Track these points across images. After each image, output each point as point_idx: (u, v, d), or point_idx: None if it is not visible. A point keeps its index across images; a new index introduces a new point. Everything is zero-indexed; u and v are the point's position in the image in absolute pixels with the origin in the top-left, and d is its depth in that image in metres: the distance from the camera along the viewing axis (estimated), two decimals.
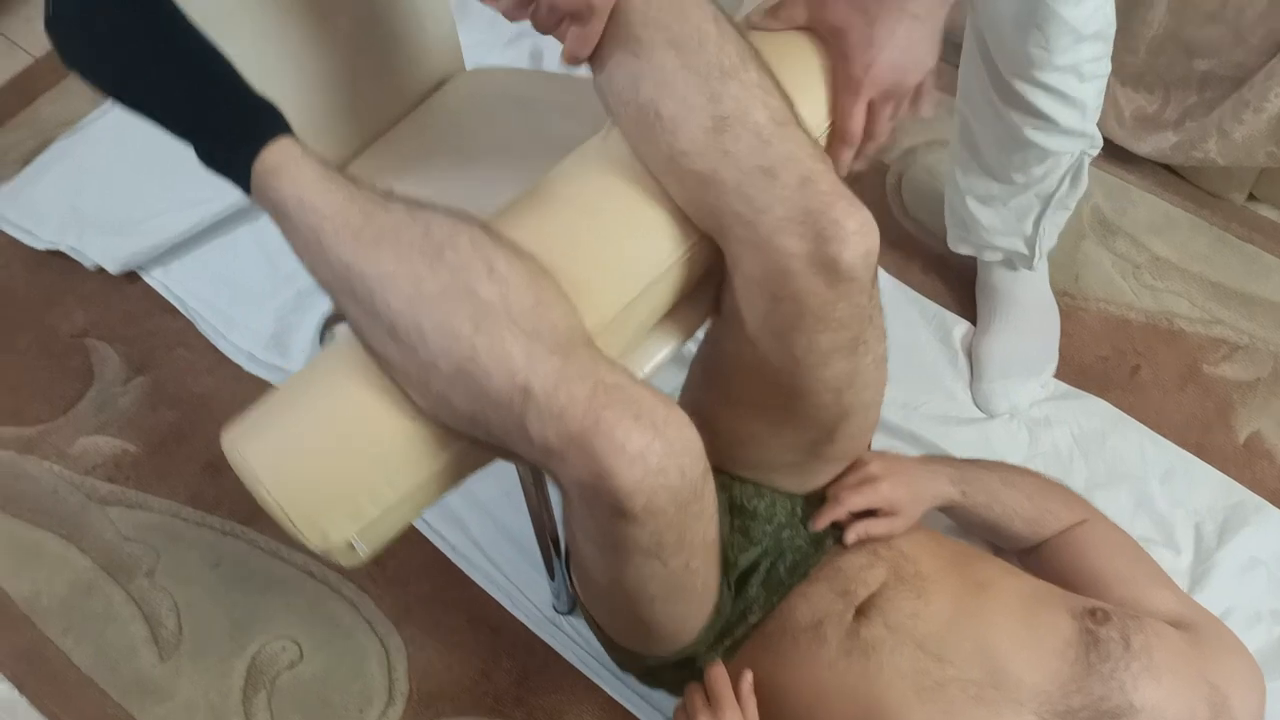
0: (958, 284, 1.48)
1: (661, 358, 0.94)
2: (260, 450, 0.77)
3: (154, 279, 1.49)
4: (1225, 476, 1.31)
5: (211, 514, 1.32)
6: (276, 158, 0.78)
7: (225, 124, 0.79)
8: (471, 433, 0.78)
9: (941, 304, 1.47)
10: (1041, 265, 1.38)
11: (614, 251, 0.84)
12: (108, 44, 0.78)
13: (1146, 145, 1.54)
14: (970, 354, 1.42)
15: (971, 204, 1.31)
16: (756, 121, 0.80)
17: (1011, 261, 1.37)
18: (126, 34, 0.78)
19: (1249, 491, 1.30)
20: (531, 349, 0.72)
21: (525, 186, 0.89)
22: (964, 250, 1.40)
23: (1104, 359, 1.42)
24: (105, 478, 1.34)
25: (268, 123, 0.80)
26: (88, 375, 1.42)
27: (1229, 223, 1.54)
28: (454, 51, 1.16)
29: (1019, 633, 0.94)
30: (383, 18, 1.04)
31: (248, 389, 1.40)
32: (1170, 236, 1.53)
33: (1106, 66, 1.13)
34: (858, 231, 0.81)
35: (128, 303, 1.47)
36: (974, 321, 1.44)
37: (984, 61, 1.16)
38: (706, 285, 0.93)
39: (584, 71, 0.91)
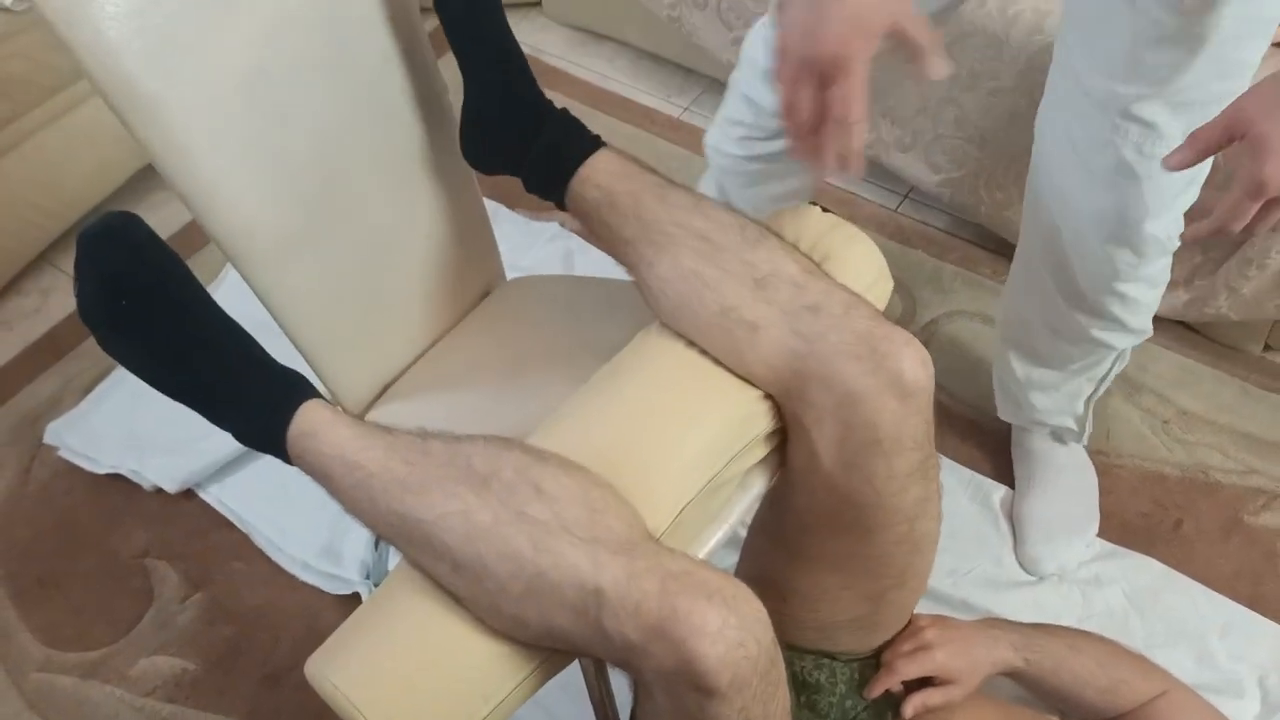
0: (992, 449, 1.52)
1: (722, 535, 0.96)
2: (351, 678, 0.79)
3: (210, 495, 1.53)
4: None
5: None
6: (308, 423, 0.84)
7: (253, 406, 0.85)
8: (551, 644, 0.81)
9: (977, 470, 1.49)
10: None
11: (668, 452, 0.88)
12: (135, 343, 0.85)
13: (1161, 304, 1.59)
14: (1011, 518, 1.44)
15: (1025, 388, 1.36)
16: (790, 273, 0.88)
17: (1060, 435, 1.42)
18: (149, 334, 0.84)
19: None
20: (595, 554, 0.75)
21: (574, 389, 0.94)
22: (1013, 420, 1.44)
23: (1145, 515, 1.44)
24: (165, 698, 1.35)
25: (294, 392, 0.86)
26: (148, 595, 1.44)
27: (1249, 373, 1.58)
28: (495, 265, 1.24)
29: None
30: (429, 242, 1.11)
31: (303, 598, 1.42)
32: (1194, 390, 1.57)
33: (1169, 272, 1.19)
34: (909, 344, 0.86)
35: (186, 520, 1.51)
36: (1011, 485, 1.46)
37: (1053, 270, 1.20)
38: (767, 456, 0.96)
39: (620, 274, 0.99)
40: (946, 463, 1.51)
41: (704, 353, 0.92)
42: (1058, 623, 1.20)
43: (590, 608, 0.75)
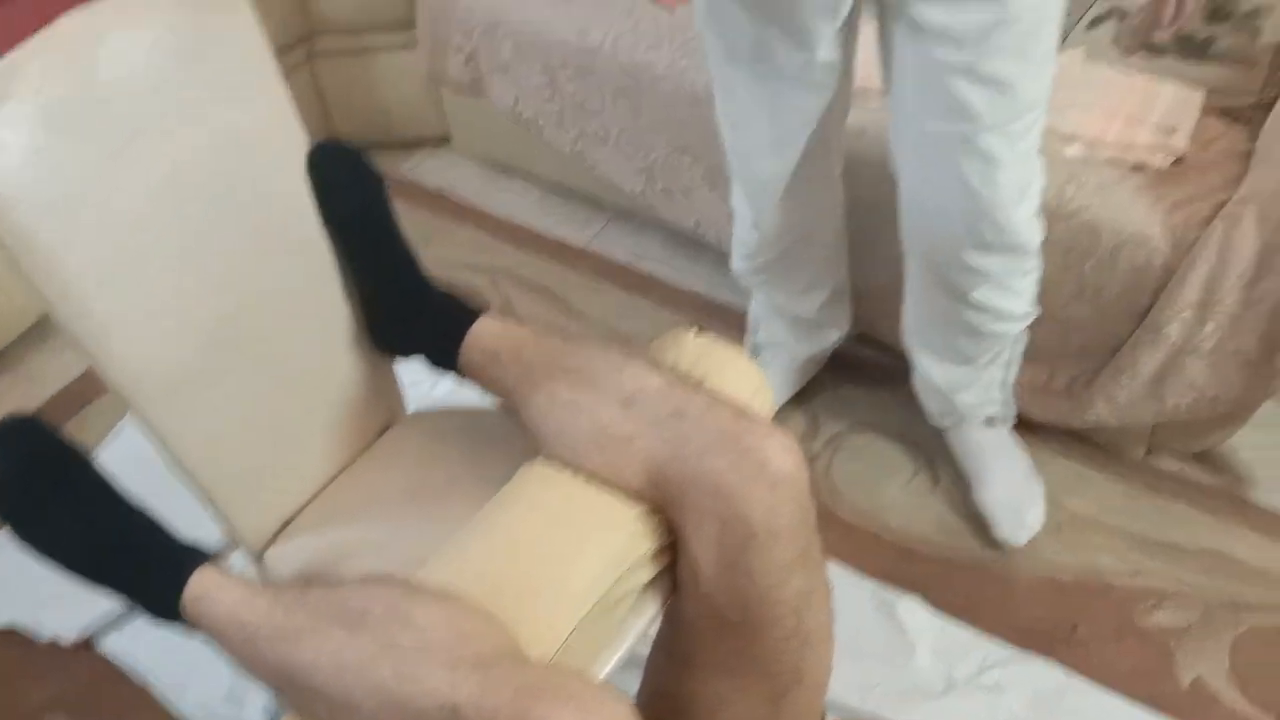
0: (894, 561, 1.55)
1: (620, 657, 0.97)
2: None
3: (107, 647, 1.49)
4: None
5: None
6: (200, 587, 0.90)
7: (151, 583, 0.92)
8: None
9: (883, 580, 1.52)
10: None
11: (553, 577, 0.90)
12: (40, 535, 0.92)
13: (1045, 413, 1.66)
14: (979, 508, 1.58)
15: (950, 392, 1.55)
16: (655, 386, 0.94)
17: (992, 422, 1.59)
18: (54, 527, 0.92)
19: None
20: (454, 676, 0.77)
21: (467, 516, 0.96)
22: (950, 424, 1.61)
23: (1043, 619, 1.47)
24: None
25: (189, 561, 0.92)
26: None
27: (1135, 476, 1.65)
28: (396, 400, 1.26)
29: None
30: (330, 379, 1.14)
31: None
32: (1084, 494, 1.63)
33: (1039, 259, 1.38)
34: (772, 434, 0.91)
35: (84, 673, 1.47)
36: (917, 591, 1.49)
37: (940, 282, 1.40)
38: (662, 574, 0.98)
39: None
40: (852, 578, 1.53)
41: (587, 478, 0.95)
42: None
43: None
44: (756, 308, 1.73)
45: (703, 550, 0.93)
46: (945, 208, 1.29)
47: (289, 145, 1.04)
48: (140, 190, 0.92)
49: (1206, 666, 1.40)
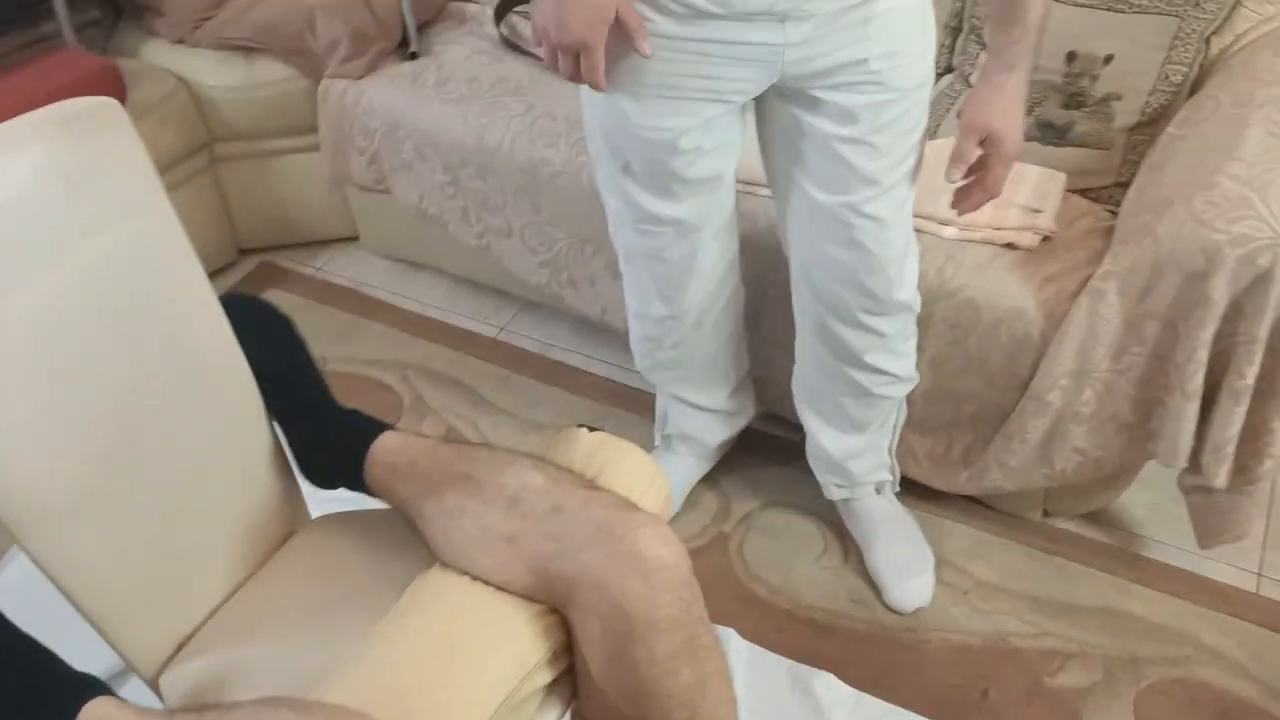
0: (809, 636, 1.57)
1: None
2: None
3: None
4: None
5: None
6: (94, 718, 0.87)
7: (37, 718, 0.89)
8: None
9: (798, 657, 1.54)
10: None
11: (453, 685, 0.91)
12: None
13: (944, 481, 1.72)
14: (871, 575, 1.65)
15: (844, 461, 1.61)
16: (537, 484, 0.97)
17: (880, 488, 1.67)
18: None
19: None
20: None
21: (371, 628, 0.96)
22: (844, 496, 1.67)
23: (955, 686, 1.51)
24: None
25: (79, 692, 0.89)
26: None
27: (1033, 539, 1.70)
28: (298, 509, 1.25)
29: None
30: (227, 494, 1.13)
31: None
32: (987, 559, 1.68)
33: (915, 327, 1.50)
34: (647, 524, 0.92)
35: None
36: (832, 666, 1.52)
37: (832, 349, 1.48)
38: (564, 675, 0.99)
39: None
40: (768, 656, 1.55)
41: (481, 584, 0.96)
42: None
43: None
44: (663, 402, 1.76)
45: (590, 645, 0.94)
46: (840, 271, 1.37)
47: (178, 263, 1.05)
48: (20, 318, 0.93)
49: None
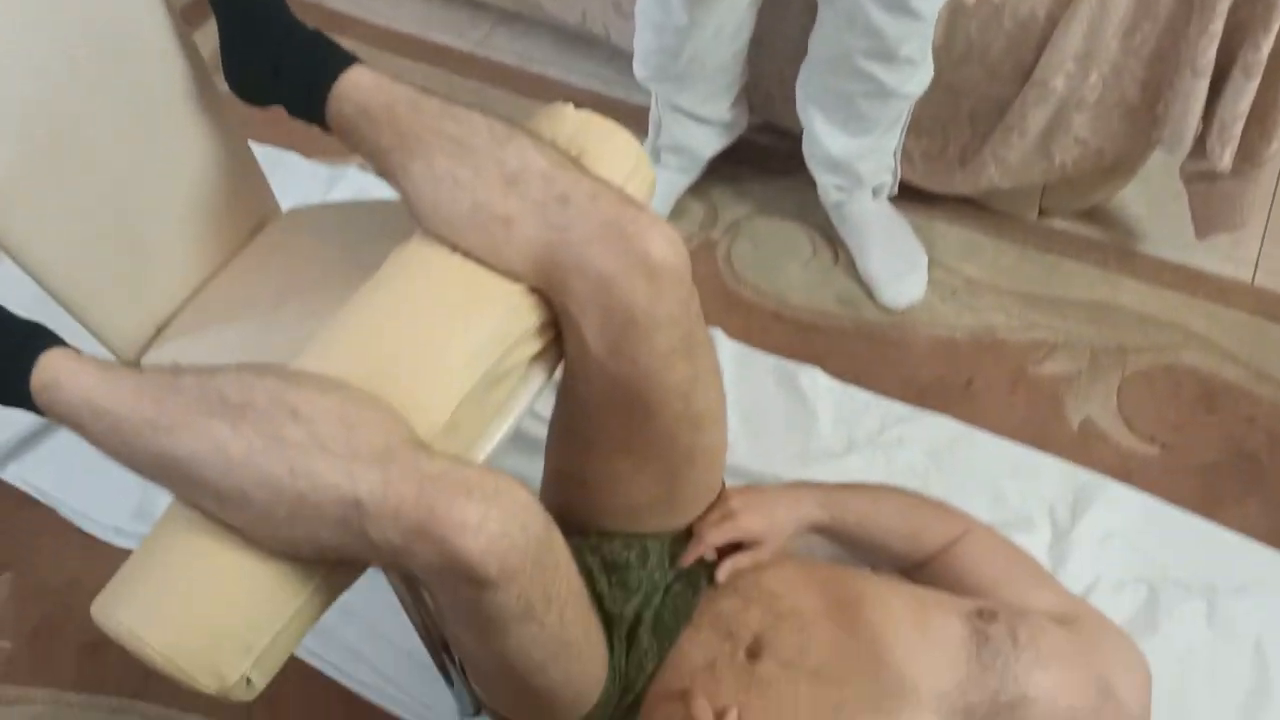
0: (793, 335, 1.57)
1: (507, 429, 0.97)
2: (136, 613, 0.79)
3: (9, 474, 1.47)
4: (1067, 463, 1.40)
5: (97, 694, 1.29)
6: (49, 373, 0.83)
7: None
8: (329, 559, 0.82)
9: (784, 355, 1.55)
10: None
11: (436, 354, 0.89)
12: None
13: (939, 182, 1.67)
14: (863, 277, 1.63)
15: (850, 162, 1.56)
16: (540, 167, 0.90)
17: (878, 191, 1.63)
18: None
19: (1091, 472, 1.39)
20: (351, 469, 0.76)
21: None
22: (840, 199, 1.63)
23: (940, 378, 1.52)
24: None
25: (31, 342, 0.85)
26: None
27: (1028, 238, 1.67)
28: (266, 199, 1.21)
29: (911, 640, 0.97)
30: (186, 181, 1.09)
31: (119, 564, 1.37)
32: (978, 259, 1.65)
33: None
34: (655, 224, 0.89)
35: None
36: (817, 362, 1.52)
37: (857, 39, 1.39)
38: (546, 349, 0.98)
39: (391, 194, 0.99)
40: (754, 355, 1.55)
41: (466, 255, 0.92)
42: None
43: (353, 520, 0.76)
44: (659, 111, 1.68)
45: (590, 335, 0.92)
46: None
47: None
48: None
49: (1094, 408, 1.46)
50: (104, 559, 1.39)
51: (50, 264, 0.98)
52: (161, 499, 1.38)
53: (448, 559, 0.75)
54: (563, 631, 0.88)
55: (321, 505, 0.77)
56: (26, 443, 1.48)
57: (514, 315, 0.93)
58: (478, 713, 1.24)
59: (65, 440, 1.48)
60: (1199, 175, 1.49)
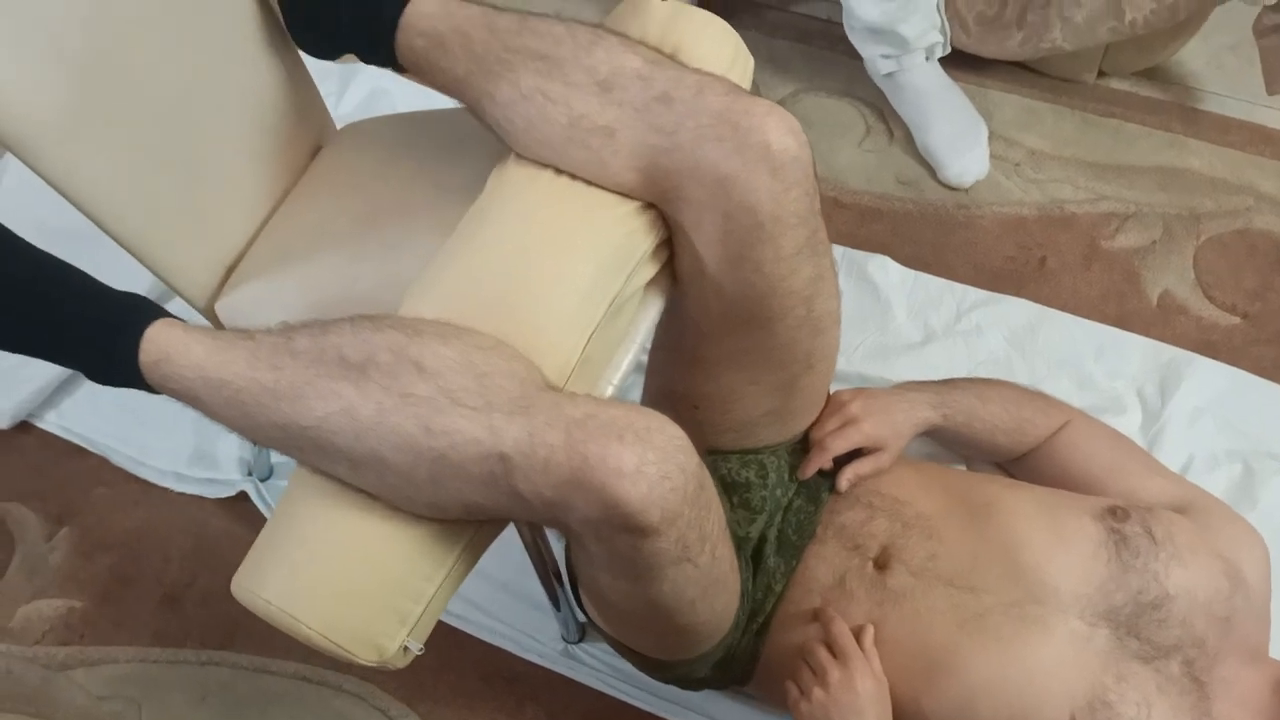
0: (856, 222, 1.51)
1: (632, 357, 0.92)
2: (283, 590, 0.75)
3: (49, 424, 1.39)
4: (1151, 340, 1.37)
5: (183, 648, 1.24)
6: (158, 348, 0.77)
7: (94, 343, 0.78)
8: (474, 517, 0.77)
9: (850, 244, 1.49)
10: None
11: (557, 289, 0.82)
12: None
13: (994, 47, 1.59)
14: (923, 154, 1.56)
15: (892, 25, 1.48)
16: (634, 68, 0.82)
17: (931, 53, 1.53)
18: None
19: (1175, 348, 1.36)
20: (490, 421, 0.71)
21: (436, 237, 0.86)
22: (890, 70, 1.54)
23: (1011, 258, 1.47)
24: (58, 642, 1.25)
25: (134, 317, 0.78)
26: (8, 542, 1.32)
27: (1087, 103, 1.61)
28: (322, 117, 1.11)
29: (1046, 543, 0.95)
30: (242, 103, 0.99)
31: (182, 509, 1.32)
32: (1038, 129, 1.59)
33: None
34: (772, 112, 0.82)
35: (29, 455, 1.37)
36: (884, 250, 1.47)
37: None
38: (664, 268, 0.91)
39: (455, 103, 0.92)
40: None
41: (571, 176, 0.85)
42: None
43: (499, 476, 0.71)
44: None
45: (706, 246, 0.86)
46: None
47: None
48: None
49: (1172, 280, 1.43)
50: (167, 506, 1.33)
51: (114, 203, 0.89)
52: (222, 442, 1.34)
53: (607, 508, 0.70)
54: (714, 568, 0.85)
55: (464, 463, 0.71)
56: (62, 389, 1.39)
57: (632, 238, 0.86)
58: (582, 639, 1.22)
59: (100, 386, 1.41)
60: (1272, 29, 1.42)
